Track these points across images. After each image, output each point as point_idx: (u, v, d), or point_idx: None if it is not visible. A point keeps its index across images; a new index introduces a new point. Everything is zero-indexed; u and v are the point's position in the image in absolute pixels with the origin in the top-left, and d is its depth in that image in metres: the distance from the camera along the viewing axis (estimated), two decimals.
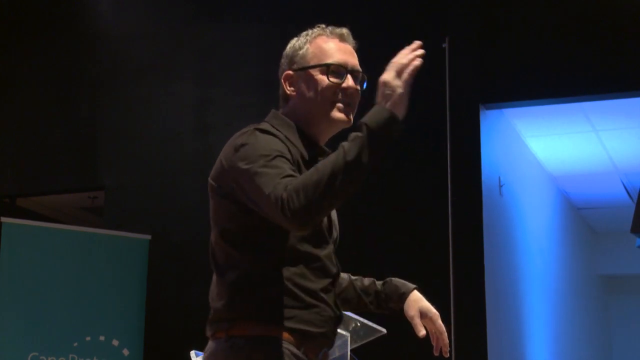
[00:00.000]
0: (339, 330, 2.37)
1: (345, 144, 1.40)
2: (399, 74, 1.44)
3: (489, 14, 4.06)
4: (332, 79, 1.62)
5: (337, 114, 1.63)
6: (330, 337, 1.62)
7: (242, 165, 1.49)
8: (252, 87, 4.22)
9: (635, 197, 4.15)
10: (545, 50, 3.89)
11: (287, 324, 1.50)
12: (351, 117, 1.64)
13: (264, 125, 1.58)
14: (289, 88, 1.67)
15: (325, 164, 1.39)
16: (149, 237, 4.01)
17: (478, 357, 3.57)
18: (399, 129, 1.42)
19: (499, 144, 4.06)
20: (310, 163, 1.57)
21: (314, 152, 1.64)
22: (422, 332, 1.64)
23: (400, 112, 1.42)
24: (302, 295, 1.52)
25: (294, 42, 1.71)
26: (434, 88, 3.83)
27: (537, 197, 5.06)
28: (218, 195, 1.55)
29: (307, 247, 1.55)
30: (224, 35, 4.27)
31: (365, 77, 1.67)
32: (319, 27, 1.70)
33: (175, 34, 4.45)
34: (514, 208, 4.33)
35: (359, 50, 1.66)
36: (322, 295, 1.57)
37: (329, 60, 1.65)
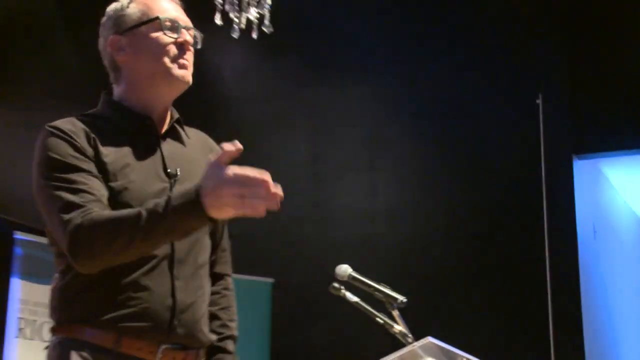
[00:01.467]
0: None
1: (142, 211, 1.28)
2: (242, 183, 1.20)
3: (579, 68, 4.48)
4: (168, 34, 1.49)
5: (178, 71, 1.49)
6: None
7: (35, 174, 1.42)
8: (361, 142, 4.76)
9: None
10: (634, 101, 4.29)
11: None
12: (190, 78, 1.52)
13: (57, 126, 1.43)
14: (118, 54, 1.51)
15: (122, 218, 1.30)
16: (272, 280, 4.54)
17: None
18: (203, 224, 1.30)
19: (591, 191, 4.48)
20: (137, 137, 1.47)
21: (143, 124, 1.51)
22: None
23: (219, 211, 1.21)
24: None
25: (115, 5, 1.55)
26: (529, 141, 4.30)
27: (629, 241, 5.39)
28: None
29: None
30: (336, 96, 4.82)
31: (200, 36, 1.55)
32: None
33: (291, 95, 5.01)
34: (608, 252, 4.68)
35: None
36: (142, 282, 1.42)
37: (162, 15, 1.52)
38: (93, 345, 1.40)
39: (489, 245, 4.38)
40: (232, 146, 1.22)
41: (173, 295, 1.41)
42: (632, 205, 5.52)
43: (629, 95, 4.34)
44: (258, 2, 3.48)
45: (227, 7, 3.52)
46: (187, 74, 1.47)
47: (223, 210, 1.20)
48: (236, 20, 3.52)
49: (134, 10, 1.49)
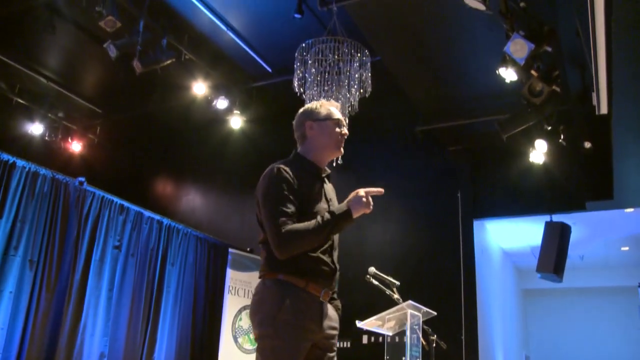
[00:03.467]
0: (413, 312, 4.25)
1: (319, 219, 2.34)
2: (367, 196, 2.35)
3: (477, 179, 8.72)
4: (337, 129, 2.57)
5: (339, 147, 2.61)
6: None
7: (261, 198, 2.41)
8: (386, 211, 8.34)
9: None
10: (500, 196, 8.63)
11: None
12: (342, 150, 2.59)
13: (282, 167, 2.45)
14: (309, 131, 2.56)
15: (307, 226, 2.33)
16: None
17: None
18: (351, 223, 2.38)
19: (480, 234, 8.98)
20: (313, 177, 2.51)
21: (317, 171, 2.55)
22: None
23: (356, 214, 2.34)
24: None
25: (309, 106, 2.65)
26: (454, 212, 8.14)
27: (496, 258, 9.74)
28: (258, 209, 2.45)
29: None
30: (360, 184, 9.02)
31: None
32: (322, 101, 2.69)
33: (344, 190, 9.04)
34: (487, 262, 9.13)
35: None
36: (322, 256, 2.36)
37: (336, 117, 2.60)
38: (292, 284, 2.44)
39: (432, 258, 7.90)
40: (380, 190, 2.39)
41: (334, 264, 2.49)
42: (497, 242, 9.87)
43: (499, 193, 8.31)
44: None
45: None
46: (341, 151, 2.60)
47: (359, 214, 2.38)
48: None
49: (323, 110, 2.64)
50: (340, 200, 2.59)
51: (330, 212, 2.42)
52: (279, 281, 2.46)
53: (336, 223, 2.41)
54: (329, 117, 2.67)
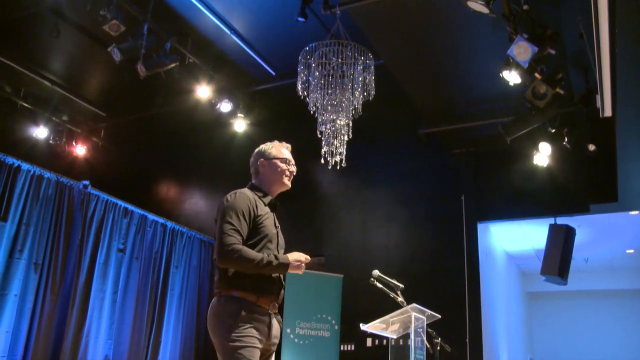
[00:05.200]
0: (418, 315, 4.29)
1: (265, 257, 2.85)
2: (299, 260, 2.96)
3: (481, 182, 8.88)
4: (286, 166, 3.16)
5: (286, 182, 3.19)
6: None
7: (221, 213, 2.88)
8: (382, 214, 8.59)
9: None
10: (503, 201, 8.67)
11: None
12: (290, 185, 3.17)
13: (242, 190, 3.00)
14: (261, 168, 3.14)
15: (254, 257, 2.82)
16: (342, 275, 8.17)
17: None
18: (284, 271, 2.94)
19: (484, 238, 9.00)
20: (266, 206, 3.06)
21: (268, 201, 3.09)
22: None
23: (290, 270, 2.91)
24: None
25: (263, 147, 3.21)
26: (458, 215, 8.21)
27: (500, 260, 9.81)
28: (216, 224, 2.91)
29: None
30: (371, 193, 8.75)
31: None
32: (275, 142, 3.20)
33: (352, 192, 8.76)
34: (491, 265, 9.19)
35: None
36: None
37: (284, 157, 3.20)
38: (245, 299, 2.91)
39: (436, 261, 7.99)
40: (306, 259, 2.97)
41: (280, 281, 3.04)
42: (501, 245, 9.99)
43: (503, 196, 8.31)
44: (340, 153, 6.69)
45: (324, 149, 6.19)
46: (289, 184, 3.20)
47: (291, 271, 2.97)
48: (330, 160, 6.20)
49: (272, 151, 3.21)
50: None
51: (276, 257, 2.93)
52: (233, 297, 2.90)
53: (276, 266, 2.92)
54: (277, 157, 3.20)
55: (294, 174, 3.28)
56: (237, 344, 2.81)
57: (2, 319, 5.64)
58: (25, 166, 6.04)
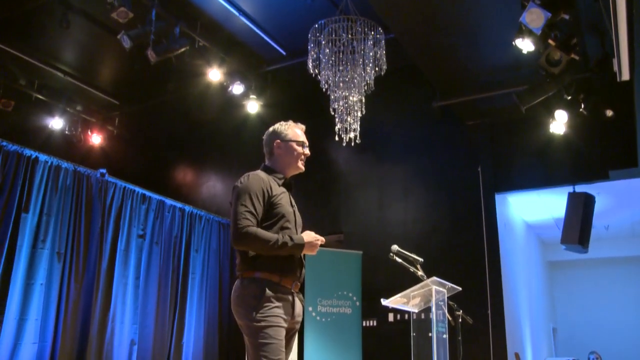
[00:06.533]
0: (438, 288, 4.41)
1: (280, 238, 2.84)
2: (315, 240, 2.95)
3: (496, 153, 8.78)
4: (302, 149, 3.12)
5: (301, 166, 3.16)
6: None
7: (235, 196, 2.88)
8: (399, 189, 8.57)
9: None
10: (521, 170, 8.59)
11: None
12: (303, 168, 3.13)
13: (256, 172, 2.98)
14: (277, 150, 3.10)
15: (269, 238, 2.81)
16: (361, 252, 8.22)
17: None
18: (298, 253, 2.94)
19: (502, 208, 8.93)
20: (281, 186, 3.04)
21: (283, 181, 3.08)
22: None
23: (305, 251, 2.93)
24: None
25: (278, 127, 3.17)
26: (475, 186, 8.14)
27: (519, 231, 9.76)
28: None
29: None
30: (387, 170, 8.72)
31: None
32: (290, 122, 3.17)
33: (367, 169, 8.79)
34: (509, 235, 9.12)
35: None
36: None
37: (300, 139, 3.14)
38: (268, 280, 2.93)
39: (455, 234, 7.93)
40: (322, 241, 2.92)
41: (301, 260, 3.04)
42: (520, 215, 9.97)
43: (521, 166, 8.21)
44: (354, 129, 6.57)
45: (338, 126, 6.44)
46: (303, 167, 3.16)
47: (306, 252, 2.97)
48: (344, 137, 6.38)
49: (290, 132, 3.17)
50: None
51: (291, 238, 2.91)
52: (255, 279, 2.90)
53: (291, 247, 2.91)
54: (294, 139, 3.15)
55: (308, 156, 3.25)
56: (262, 323, 2.83)
57: (31, 307, 5.76)
58: (42, 157, 6.13)
